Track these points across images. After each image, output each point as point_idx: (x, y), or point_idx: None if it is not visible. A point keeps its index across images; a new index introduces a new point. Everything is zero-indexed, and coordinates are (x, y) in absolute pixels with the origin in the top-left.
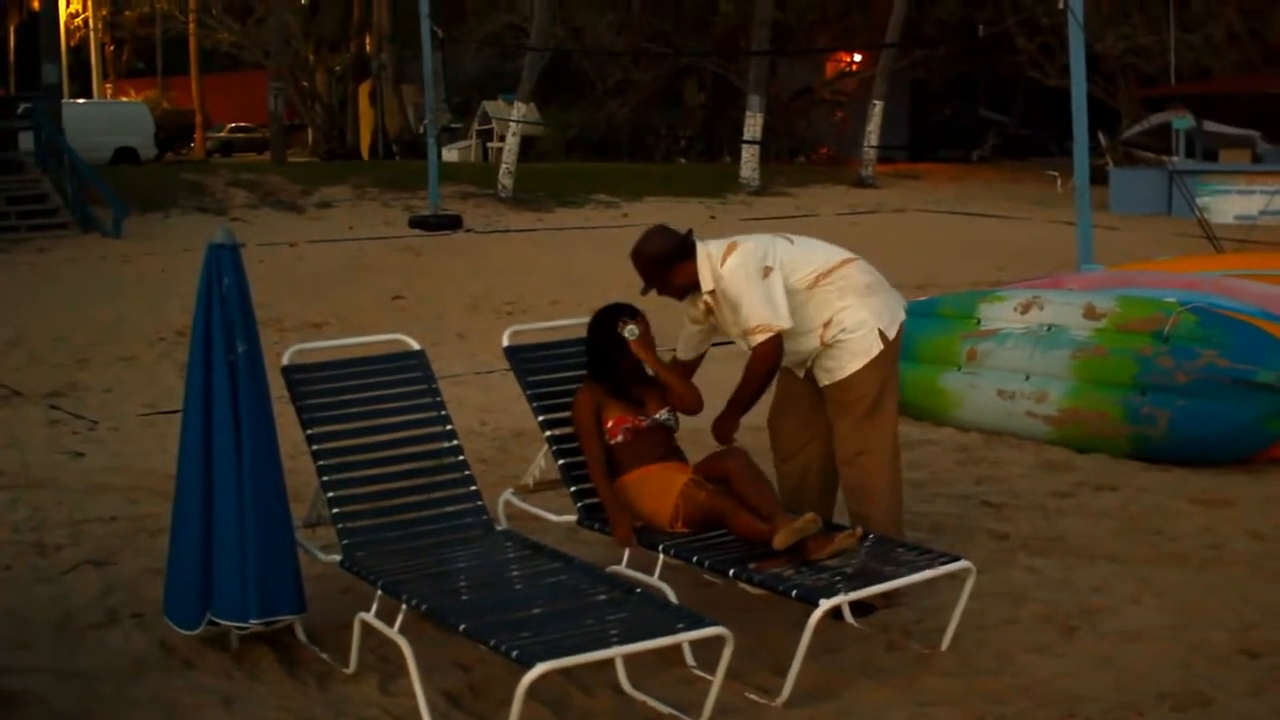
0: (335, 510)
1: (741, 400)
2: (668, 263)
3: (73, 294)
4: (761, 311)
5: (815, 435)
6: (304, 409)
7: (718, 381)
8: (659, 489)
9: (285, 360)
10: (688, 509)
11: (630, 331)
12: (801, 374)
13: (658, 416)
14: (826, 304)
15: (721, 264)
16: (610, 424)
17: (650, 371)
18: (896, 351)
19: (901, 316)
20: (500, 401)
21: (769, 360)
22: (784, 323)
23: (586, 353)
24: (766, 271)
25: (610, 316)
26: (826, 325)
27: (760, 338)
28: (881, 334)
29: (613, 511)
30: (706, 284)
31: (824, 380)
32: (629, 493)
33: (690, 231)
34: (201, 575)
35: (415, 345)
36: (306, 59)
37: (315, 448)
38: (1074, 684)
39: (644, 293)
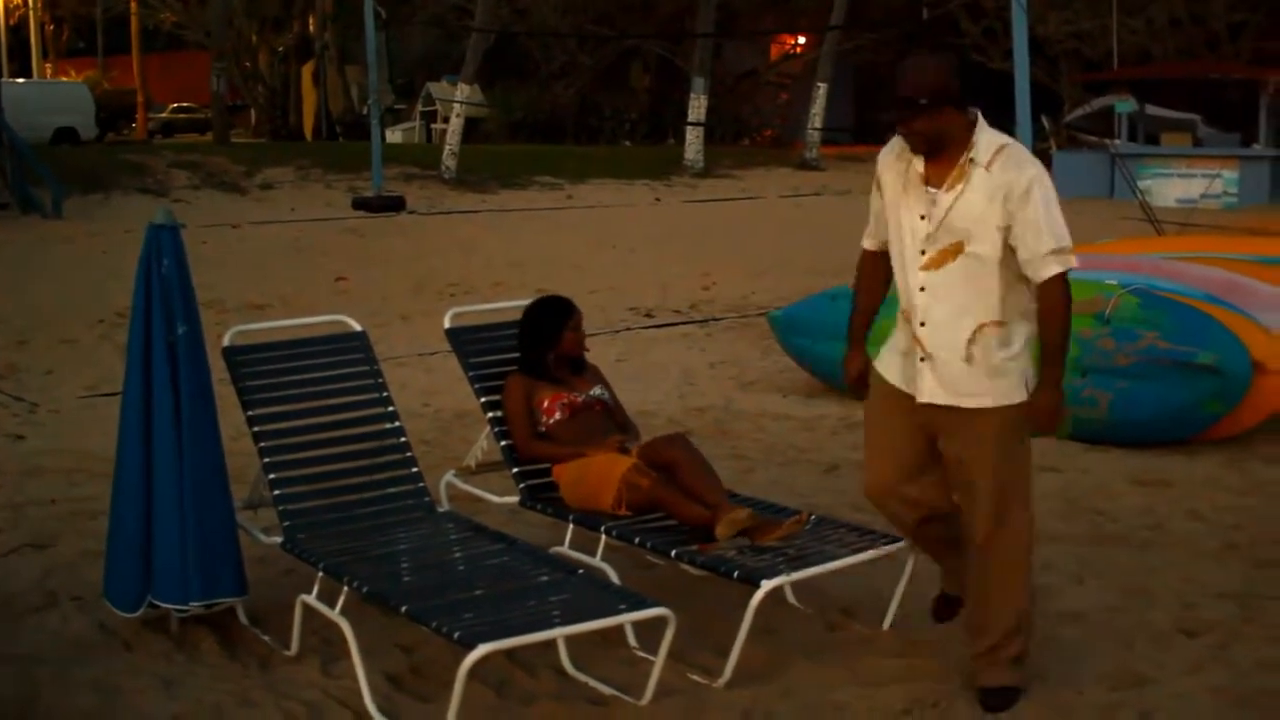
0: (276, 492)
1: (1060, 357)
2: (954, 96)
3: (12, 275)
4: (1065, 232)
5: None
6: (245, 390)
7: (663, 363)
8: (601, 473)
9: (226, 341)
10: (630, 495)
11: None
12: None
13: (592, 392)
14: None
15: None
16: (546, 403)
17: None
18: None
19: None
20: (443, 383)
21: (1069, 298)
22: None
23: (518, 342)
24: None
25: (543, 311)
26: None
27: (1059, 265)
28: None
29: (570, 455)
30: (983, 155)
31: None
32: (570, 474)
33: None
34: (142, 558)
35: (357, 326)
36: (249, 39)
37: (256, 429)
38: None
39: (896, 116)
